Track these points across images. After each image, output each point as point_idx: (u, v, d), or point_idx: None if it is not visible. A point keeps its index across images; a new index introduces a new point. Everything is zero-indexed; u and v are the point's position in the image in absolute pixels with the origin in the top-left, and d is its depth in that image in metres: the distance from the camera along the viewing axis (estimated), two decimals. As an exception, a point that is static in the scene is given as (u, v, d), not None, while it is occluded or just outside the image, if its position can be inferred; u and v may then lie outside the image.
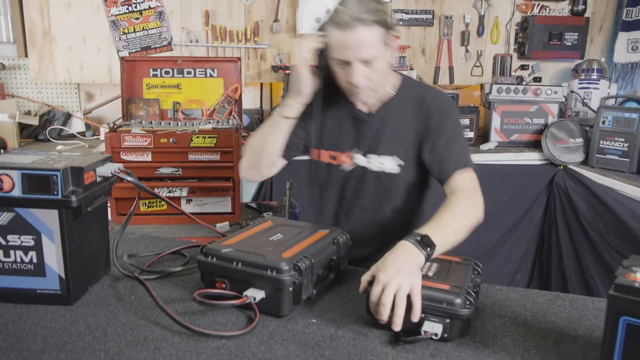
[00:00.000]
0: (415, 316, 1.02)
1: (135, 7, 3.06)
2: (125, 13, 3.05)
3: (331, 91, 1.48)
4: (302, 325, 1.10)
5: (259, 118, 3.21)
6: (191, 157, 2.20)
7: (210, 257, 1.18)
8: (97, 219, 1.29)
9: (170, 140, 2.14)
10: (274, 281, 1.10)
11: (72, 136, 3.13)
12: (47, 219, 1.12)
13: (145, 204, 2.21)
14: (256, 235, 1.29)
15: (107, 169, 1.24)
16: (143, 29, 3.08)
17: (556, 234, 2.94)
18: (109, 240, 1.37)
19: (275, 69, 3.16)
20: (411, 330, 1.04)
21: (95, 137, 3.14)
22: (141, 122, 2.34)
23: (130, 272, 1.32)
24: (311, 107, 1.50)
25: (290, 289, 1.11)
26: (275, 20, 3.24)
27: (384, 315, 1.03)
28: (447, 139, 1.44)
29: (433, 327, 1.02)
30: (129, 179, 1.28)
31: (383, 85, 1.46)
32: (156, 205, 2.24)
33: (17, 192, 1.10)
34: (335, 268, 1.28)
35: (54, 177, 1.10)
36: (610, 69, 3.46)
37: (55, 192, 1.10)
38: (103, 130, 3.02)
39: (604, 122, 2.78)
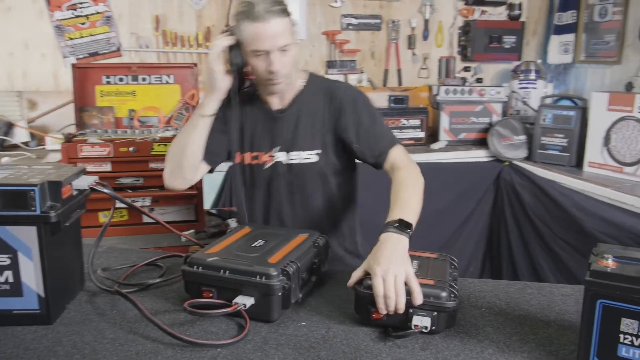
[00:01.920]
0: (417, 300, 1.06)
1: (82, 12, 2.95)
2: (70, 18, 2.94)
3: (244, 92, 1.57)
4: (293, 329, 1.12)
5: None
6: (152, 165, 2.15)
7: (196, 266, 1.17)
8: (72, 234, 1.26)
9: (131, 148, 2.10)
10: (264, 287, 1.12)
11: (14, 146, 2.98)
12: (25, 236, 1.09)
13: (106, 215, 2.15)
14: (237, 242, 1.29)
15: (84, 182, 1.21)
16: (90, 35, 2.98)
17: (505, 227, 3.10)
18: (82, 254, 1.34)
19: (229, 73, 3.14)
20: (399, 325, 1.09)
21: (40, 147, 3.00)
22: (96, 131, 2.27)
23: (107, 286, 1.29)
24: (229, 111, 1.57)
25: (280, 294, 1.12)
26: (227, 26, 3.23)
27: (390, 307, 1.07)
28: (367, 124, 1.54)
29: (422, 321, 1.06)
30: (106, 190, 1.26)
31: (294, 74, 1.55)
32: (117, 217, 2.18)
33: (-9, 210, 1.06)
34: (316, 271, 1.31)
35: (32, 192, 1.06)
36: (546, 69, 3.68)
37: (33, 208, 1.07)
38: (49, 139, 2.89)
39: (544, 120, 2.96)
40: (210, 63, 1.47)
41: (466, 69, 3.71)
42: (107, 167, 2.10)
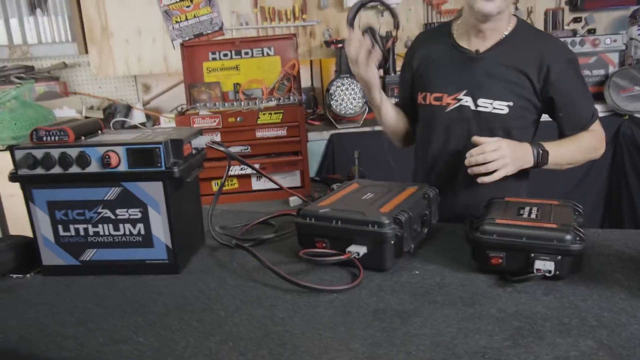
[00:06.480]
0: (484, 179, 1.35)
1: (186, -5, 3.11)
2: (176, 2, 3.11)
3: (431, 34, 1.57)
4: (407, 277, 1.12)
5: (314, 95, 3.23)
6: (259, 134, 2.24)
7: (308, 218, 1.20)
8: (192, 191, 1.34)
9: (238, 119, 2.19)
10: (377, 235, 1.12)
11: (134, 127, 3.23)
12: (152, 191, 1.17)
13: (217, 183, 2.27)
14: (347, 195, 1.31)
15: (201, 141, 1.28)
16: (194, 16, 3.13)
17: (626, 184, 2.87)
18: (201, 213, 1.42)
19: (327, 44, 3.16)
20: (519, 271, 1.04)
21: (156, 126, 3.23)
22: (206, 105, 2.39)
23: (226, 241, 1.37)
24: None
25: (392, 242, 1.12)
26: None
27: (471, 163, 1.35)
28: (574, 94, 1.49)
29: (545, 265, 1.01)
30: (221, 148, 1.33)
31: (505, 16, 1.47)
32: (227, 185, 2.30)
33: (123, 167, 1.15)
34: (427, 223, 1.28)
35: (157, 149, 1.14)
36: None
37: (159, 164, 1.15)
38: (163, 119, 3.11)
39: (673, 66, 2.66)
40: (354, 66, 1.46)
41: (576, 20, 3.42)
42: (217, 137, 2.22)
